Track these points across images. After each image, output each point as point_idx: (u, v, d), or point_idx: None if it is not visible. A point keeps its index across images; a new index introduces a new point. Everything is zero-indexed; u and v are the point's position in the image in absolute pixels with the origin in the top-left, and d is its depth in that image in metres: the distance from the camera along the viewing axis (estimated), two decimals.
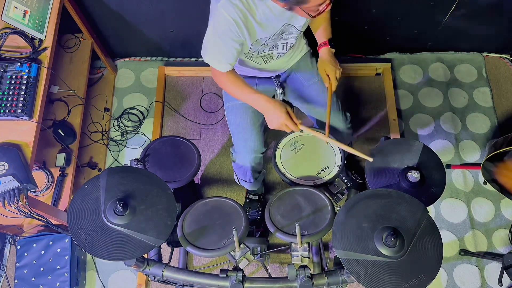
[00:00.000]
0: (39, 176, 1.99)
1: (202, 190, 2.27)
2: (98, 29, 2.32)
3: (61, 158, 2.05)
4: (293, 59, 1.74)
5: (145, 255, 1.26)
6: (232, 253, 1.27)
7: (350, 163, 2.20)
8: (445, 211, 2.21)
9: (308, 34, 1.71)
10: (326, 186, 1.52)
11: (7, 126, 1.58)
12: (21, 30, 1.68)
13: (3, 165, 1.43)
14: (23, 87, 1.61)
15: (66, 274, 1.97)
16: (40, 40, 1.72)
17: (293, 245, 1.30)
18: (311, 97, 1.73)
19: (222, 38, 1.38)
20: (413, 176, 1.33)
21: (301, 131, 1.49)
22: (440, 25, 2.33)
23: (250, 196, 2.13)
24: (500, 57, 2.60)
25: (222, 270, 1.21)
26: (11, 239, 2.13)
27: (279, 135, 1.58)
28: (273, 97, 1.79)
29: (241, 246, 1.26)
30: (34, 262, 1.99)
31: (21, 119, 1.58)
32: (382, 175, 1.39)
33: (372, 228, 1.11)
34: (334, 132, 1.61)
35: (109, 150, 2.35)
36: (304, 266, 1.19)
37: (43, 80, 1.66)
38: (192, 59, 2.60)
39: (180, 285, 1.32)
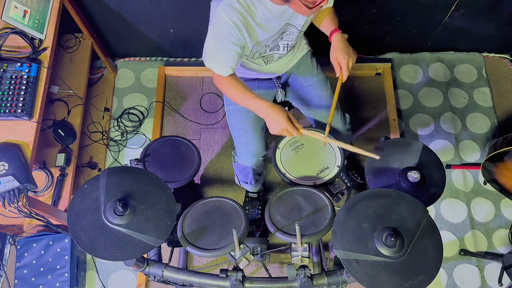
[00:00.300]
0: (39, 176, 1.99)
1: (202, 190, 2.27)
2: (98, 29, 2.32)
3: (61, 158, 2.05)
4: (294, 59, 1.73)
5: (145, 255, 1.26)
6: (232, 253, 1.27)
7: (350, 163, 2.20)
8: (445, 211, 2.21)
9: (308, 34, 1.71)
10: (326, 186, 1.52)
11: (7, 126, 1.58)
12: (21, 30, 1.68)
13: (3, 165, 1.43)
14: (23, 87, 1.61)
15: (66, 274, 1.97)
16: (40, 40, 1.72)
17: (293, 245, 1.30)
18: (310, 98, 1.73)
19: (222, 42, 1.37)
20: (413, 176, 1.33)
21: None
22: (440, 25, 2.33)
23: (250, 194, 2.14)
24: (500, 57, 2.60)
25: (222, 270, 1.21)
26: (11, 239, 2.13)
27: (279, 135, 1.57)
28: (274, 98, 1.79)
29: (241, 246, 1.26)
30: (34, 262, 1.99)
31: (21, 119, 1.58)
32: (382, 175, 1.39)
33: (372, 228, 1.11)
34: (334, 133, 1.61)
35: (109, 150, 2.35)
36: (304, 266, 1.20)
37: (43, 80, 1.66)
38: (192, 59, 2.60)
39: (180, 285, 1.32)
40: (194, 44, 2.44)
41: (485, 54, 2.60)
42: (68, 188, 2.01)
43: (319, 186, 1.49)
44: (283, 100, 1.79)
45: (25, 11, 1.69)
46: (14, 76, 1.63)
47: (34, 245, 2.02)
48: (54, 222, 1.66)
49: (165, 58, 2.60)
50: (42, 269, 1.98)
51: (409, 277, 1.05)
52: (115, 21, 2.24)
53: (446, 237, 2.15)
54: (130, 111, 2.45)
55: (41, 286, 1.95)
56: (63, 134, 2.10)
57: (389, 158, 1.41)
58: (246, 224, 1.30)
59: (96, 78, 2.51)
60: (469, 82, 2.52)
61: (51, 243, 2.01)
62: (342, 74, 1.49)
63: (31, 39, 1.70)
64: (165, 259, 1.55)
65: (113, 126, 2.41)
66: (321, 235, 1.29)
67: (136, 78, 2.55)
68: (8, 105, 1.58)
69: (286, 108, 1.86)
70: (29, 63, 1.64)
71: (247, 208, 2.12)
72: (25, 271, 1.98)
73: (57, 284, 1.96)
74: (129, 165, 1.56)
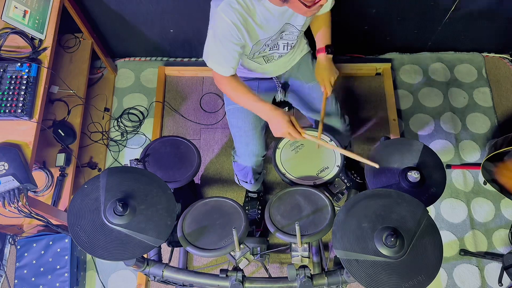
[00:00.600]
0: (39, 176, 1.99)
1: (202, 190, 2.27)
2: (98, 29, 2.32)
3: (61, 158, 2.05)
4: (294, 59, 1.73)
5: (145, 255, 1.26)
6: (232, 253, 1.27)
7: (350, 163, 2.20)
8: (445, 211, 2.21)
9: (308, 34, 1.71)
10: (326, 186, 1.52)
11: (7, 126, 1.58)
12: (21, 30, 1.68)
13: (3, 165, 1.43)
14: (23, 87, 1.61)
15: (66, 274, 1.97)
16: (40, 40, 1.72)
17: (293, 245, 1.30)
18: (310, 98, 1.74)
19: (223, 42, 1.37)
20: (413, 176, 1.33)
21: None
22: (440, 25, 2.33)
23: (249, 194, 2.14)
24: (500, 57, 2.60)
25: (222, 270, 1.21)
26: (11, 239, 2.13)
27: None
28: (274, 98, 1.79)
29: (241, 246, 1.26)
30: (34, 262, 1.99)
31: (21, 119, 1.58)
32: (382, 175, 1.39)
33: (372, 228, 1.11)
34: (333, 133, 1.62)
35: (109, 150, 2.35)
36: (304, 266, 1.19)
37: (43, 80, 1.66)
38: (192, 59, 2.60)
39: (180, 285, 1.32)
40: (194, 44, 2.44)
41: (485, 54, 2.60)
42: (68, 188, 2.01)
43: (319, 186, 1.49)
44: (282, 100, 1.79)
45: (25, 11, 1.69)
46: (14, 76, 1.63)
47: (34, 245, 2.02)
48: (54, 222, 1.66)
49: (165, 58, 2.60)
50: (42, 269, 1.98)
51: (409, 277, 1.05)
52: (115, 21, 2.24)
53: (446, 237, 2.15)
54: (130, 111, 2.45)
55: (41, 286, 1.96)
56: (63, 134, 2.10)
57: (389, 158, 1.41)
58: (246, 224, 1.30)
59: (96, 78, 2.51)
60: (469, 82, 2.52)
61: (51, 243, 2.01)
62: (326, 90, 1.64)
63: (31, 39, 1.70)
64: (165, 259, 1.55)
65: (113, 126, 2.41)
66: (321, 235, 1.29)
67: (136, 78, 2.55)
68: (8, 105, 1.58)
69: (286, 108, 1.86)
70: (29, 63, 1.64)
71: (247, 207, 2.12)
72: (25, 271, 1.98)
73: (57, 284, 1.96)
74: (129, 165, 1.56)
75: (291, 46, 1.58)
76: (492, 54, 2.60)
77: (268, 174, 2.24)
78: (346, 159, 1.53)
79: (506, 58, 2.59)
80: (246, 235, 1.29)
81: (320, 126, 1.56)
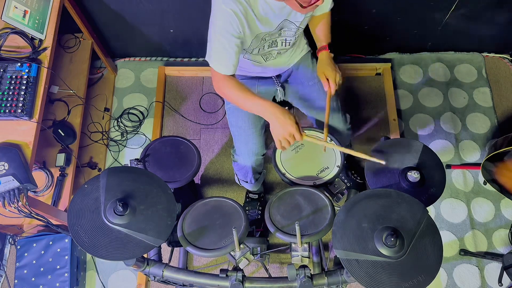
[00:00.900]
0: (39, 176, 1.99)
1: (202, 190, 2.27)
2: (98, 29, 2.32)
3: (61, 158, 2.05)
4: (294, 58, 1.73)
5: (145, 255, 1.26)
6: (232, 253, 1.27)
7: (350, 163, 2.20)
8: (445, 211, 2.21)
9: (308, 34, 1.71)
10: (326, 186, 1.52)
11: (7, 126, 1.58)
12: (21, 30, 1.68)
13: (3, 165, 1.43)
14: (23, 87, 1.61)
15: (66, 274, 1.97)
16: (40, 40, 1.72)
17: (293, 245, 1.30)
18: (311, 97, 1.73)
19: (223, 35, 1.36)
20: (413, 176, 1.33)
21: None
22: (440, 25, 2.33)
23: (250, 195, 2.13)
24: (500, 57, 2.60)
25: (222, 270, 1.21)
26: (11, 239, 2.13)
27: None
28: (274, 97, 1.79)
29: (241, 246, 1.26)
30: (34, 262, 1.99)
31: (21, 119, 1.58)
32: (382, 175, 1.39)
33: (372, 228, 1.11)
34: (334, 133, 1.61)
35: (109, 150, 2.35)
36: (304, 266, 1.20)
37: (43, 80, 1.66)
38: (192, 59, 2.60)
39: (180, 285, 1.32)
40: (194, 44, 2.44)
41: (485, 54, 2.60)
42: (68, 188, 2.01)
43: (319, 186, 1.49)
44: (282, 99, 1.79)
45: (25, 11, 1.69)
46: (14, 76, 1.63)
47: (34, 245, 2.02)
48: (54, 222, 1.66)
49: (165, 58, 2.60)
50: (42, 269, 1.98)
51: (409, 277, 1.05)
52: (115, 21, 2.24)
53: (446, 237, 2.15)
54: (130, 111, 2.45)
55: (41, 286, 1.96)
56: (63, 134, 2.10)
57: (389, 158, 1.41)
58: (246, 224, 1.30)
59: (96, 78, 2.51)
60: (469, 82, 2.52)
61: (51, 243, 2.01)
62: (330, 88, 1.57)
63: (31, 39, 1.70)
64: (165, 259, 1.55)
65: (113, 126, 2.41)
66: (321, 235, 1.29)
67: (136, 78, 2.55)
68: (8, 105, 1.58)
69: (286, 108, 1.86)
70: (29, 63, 1.64)
71: (247, 208, 2.12)
72: (25, 271, 1.98)
73: (57, 284, 1.96)
74: (129, 165, 1.56)
75: (289, 43, 1.57)
76: (492, 54, 2.60)
77: (268, 174, 2.24)
78: (346, 159, 1.53)
79: (506, 58, 2.60)
80: (246, 235, 1.29)
81: (325, 129, 1.53)
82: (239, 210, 1.34)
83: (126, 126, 2.42)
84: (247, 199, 2.15)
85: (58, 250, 2.00)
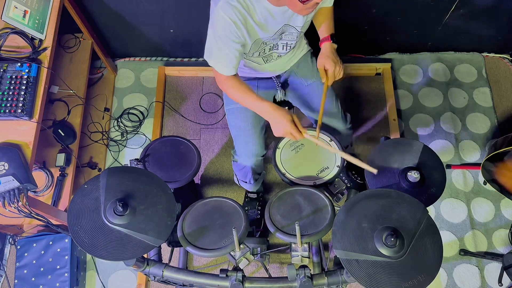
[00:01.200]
0: (39, 176, 1.99)
1: (202, 190, 2.27)
2: (98, 29, 2.32)
3: (61, 158, 2.05)
4: (294, 59, 1.73)
5: (145, 255, 1.26)
6: (232, 253, 1.27)
7: (350, 163, 2.19)
8: (445, 211, 2.21)
9: (308, 34, 1.71)
10: (326, 186, 1.52)
11: (7, 126, 1.58)
12: (21, 30, 1.68)
13: (3, 165, 1.43)
14: (23, 87, 1.61)
15: (66, 274, 1.97)
16: (40, 40, 1.72)
17: (293, 245, 1.30)
18: (310, 98, 1.73)
19: (223, 40, 1.37)
20: (413, 176, 1.33)
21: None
22: (440, 25, 2.33)
23: (249, 194, 2.14)
24: (500, 57, 2.60)
25: (222, 270, 1.21)
26: (11, 239, 2.13)
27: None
28: (274, 97, 1.79)
29: (241, 246, 1.26)
30: (34, 262, 1.99)
31: (21, 119, 1.58)
32: (382, 175, 1.39)
33: (372, 228, 1.11)
34: (334, 133, 1.61)
35: (109, 150, 2.35)
36: (304, 266, 1.20)
37: (43, 80, 1.66)
38: (192, 59, 2.60)
39: (180, 285, 1.32)
40: (194, 44, 2.44)
41: (485, 54, 2.60)
42: (68, 188, 2.01)
43: (319, 186, 1.49)
44: (282, 99, 1.79)
45: (25, 11, 1.69)
46: (14, 76, 1.63)
47: (34, 245, 2.02)
48: (54, 222, 1.66)
49: (165, 58, 2.60)
50: (42, 269, 1.98)
51: (409, 277, 1.05)
52: (115, 21, 2.24)
53: (446, 237, 2.15)
54: (130, 111, 2.45)
55: (41, 286, 1.96)
56: (63, 134, 2.10)
57: (389, 158, 1.41)
58: (246, 224, 1.30)
59: (96, 78, 2.51)
60: (469, 82, 2.52)
61: (51, 243, 2.01)
62: (327, 80, 1.56)
63: (31, 39, 1.70)
64: (165, 259, 1.55)
65: (113, 126, 2.41)
66: (321, 235, 1.29)
67: (136, 78, 2.55)
68: (8, 105, 1.58)
69: (287, 108, 1.86)
70: (29, 63, 1.64)
71: (246, 208, 2.12)
72: (25, 271, 1.98)
73: (57, 284, 1.96)
74: (129, 165, 1.56)
75: (290, 46, 1.58)
76: (492, 54, 2.60)
77: (268, 174, 2.24)
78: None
79: (506, 58, 2.60)
80: (246, 235, 1.29)
81: (319, 123, 1.53)
82: (239, 210, 1.34)
83: (126, 126, 2.42)
84: (246, 199, 2.15)
85: (58, 250, 2.00)
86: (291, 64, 1.75)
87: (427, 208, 1.16)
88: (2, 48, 1.68)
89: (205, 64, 1.47)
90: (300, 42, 1.71)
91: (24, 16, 1.69)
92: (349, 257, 1.08)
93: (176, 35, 2.37)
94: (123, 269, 2.10)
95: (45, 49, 1.72)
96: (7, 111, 1.57)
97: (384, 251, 1.07)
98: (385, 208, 1.15)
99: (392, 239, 1.05)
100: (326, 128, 1.62)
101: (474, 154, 2.35)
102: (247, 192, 2.16)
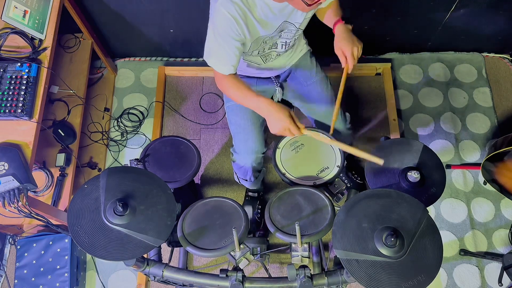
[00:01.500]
0: (39, 176, 1.99)
1: (202, 190, 2.27)
2: (98, 29, 2.32)
3: (61, 158, 2.05)
4: (293, 58, 1.73)
5: (145, 255, 1.26)
6: (232, 253, 1.27)
7: (350, 163, 2.20)
8: (445, 211, 2.21)
9: (308, 34, 1.71)
10: (326, 186, 1.52)
11: (7, 126, 1.58)
12: (21, 30, 1.68)
13: (3, 165, 1.43)
14: (23, 87, 1.61)
15: (66, 274, 1.97)
16: (40, 40, 1.72)
17: (293, 245, 1.30)
18: (310, 97, 1.73)
19: (223, 37, 1.36)
20: (413, 176, 1.33)
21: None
22: (440, 25, 2.33)
23: (249, 194, 2.13)
24: (500, 57, 2.60)
25: (222, 270, 1.21)
26: (11, 239, 2.13)
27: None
28: (272, 97, 1.79)
29: (241, 246, 1.26)
30: (34, 262, 1.99)
31: (21, 119, 1.58)
32: (382, 175, 1.39)
33: (372, 228, 1.11)
34: (334, 133, 1.61)
35: (109, 150, 2.35)
36: (304, 266, 1.20)
37: (43, 80, 1.66)
38: (192, 59, 2.60)
39: (180, 285, 1.32)
40: (194, 44, 2.44)
41: (485, 54, 2.60)
42: (68, 188, 2.01)
43: (319, 186, 1.49)
44: (280, 99, 1.79)
45: (25, 11, 1.69)
46: (14, 76, 1.63)
47: (34, 245, 2.02)
48: (54, 222, 1.66)
49: (165, 58, 2.60)
50: (42, 269, 1.98)
51: (409, 277, 1.05)
52: (115, 21, 2.24)
53: (446, 237, 2.15)
54: (130, 111, 2.45)
55: (41, 286, 1.95)
56: (63, 134, 2.10)
57: (389, 158, 1.41)
58: (246, 224, 1.30)
59: (96, 78, 2.51)
60: (469, 82, 2.52)
61: (51, 243, 2.01)
62: (347, 64, 1.46)
63: (31, 39, 1.70)
64: (165, 259, 1.55)
65: (113, 126, 2.41)
66: (321, 235, 1.29)
67: (136, 78, 2.55)
68: (8, 105, 1.58)
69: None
70: (29, 63, 1.64)
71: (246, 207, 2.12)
72: (25, 271, 1.98)
73: (57, 284, 1.96)
74: (129, 165, 1.56)
75: (289, 45, 1.57)
76: (492, 54, 2.60)
77: (268, 174, 2.24)
78: (346, 159, 1.52)
79: (506, 58, 2.60)
80: (246, 235, 1.29)
81: (337, 105, 1.48)
82: (239, 210, 1.34)
83: (126, 126, 2.42)
84: (247, 198, 2.15)
85: (58, 250, 2.00)
86: (290, 63, 1.74)
87: (427, 208, 1.16)
88: (2, 48, 1.68)
89: (205, 64, 1.46)
90: (299, 41, 1.71)
91: (24, 16, 1.69)
92: (349, 257, 1.08)
93: (176, 35, 2.37)
94: (123, 269, 2.10)
95: (45, 49, 1.72)
96: (7, 111, 1.57)
97: (384, 251, 1.07)
98: (385, 208, 1.15)
99: (392, 239, 1.05)
100: (325, 128, 1.61)
101: (474, 154, 2.35)
102: (247, 191, 2.15)
